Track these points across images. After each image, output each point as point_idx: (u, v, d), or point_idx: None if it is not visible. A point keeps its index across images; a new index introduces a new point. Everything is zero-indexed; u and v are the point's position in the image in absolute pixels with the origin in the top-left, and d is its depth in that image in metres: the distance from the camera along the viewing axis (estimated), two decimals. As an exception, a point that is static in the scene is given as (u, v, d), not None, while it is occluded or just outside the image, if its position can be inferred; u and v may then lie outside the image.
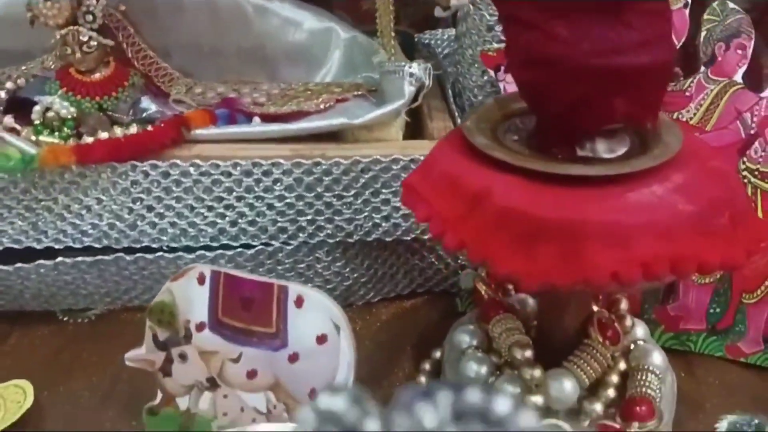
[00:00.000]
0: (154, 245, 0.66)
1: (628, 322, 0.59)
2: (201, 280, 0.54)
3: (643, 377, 0.55)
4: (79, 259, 0.65)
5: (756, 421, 0.61)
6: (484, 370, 0.56)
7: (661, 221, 0.44)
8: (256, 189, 0.64)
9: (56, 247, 0.65)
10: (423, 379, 0.62)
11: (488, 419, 0.20)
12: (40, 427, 0.58)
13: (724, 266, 0.45)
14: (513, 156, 0.47)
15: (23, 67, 0.74)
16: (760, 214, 0.66)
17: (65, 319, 0.69)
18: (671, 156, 0.47)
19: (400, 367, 0.66)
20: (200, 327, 0.54)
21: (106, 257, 0.65)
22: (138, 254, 0.66)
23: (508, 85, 0.70)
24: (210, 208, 0.65)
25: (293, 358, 0.53)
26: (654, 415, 0.53)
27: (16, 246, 0.65)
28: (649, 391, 0.54)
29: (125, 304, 0.70)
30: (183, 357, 0.55)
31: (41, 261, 0.64)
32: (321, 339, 0.53)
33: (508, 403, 0.21)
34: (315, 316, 0.53)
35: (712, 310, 0.68)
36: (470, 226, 0.46)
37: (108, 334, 0.67)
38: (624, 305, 0.60)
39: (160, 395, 0.57)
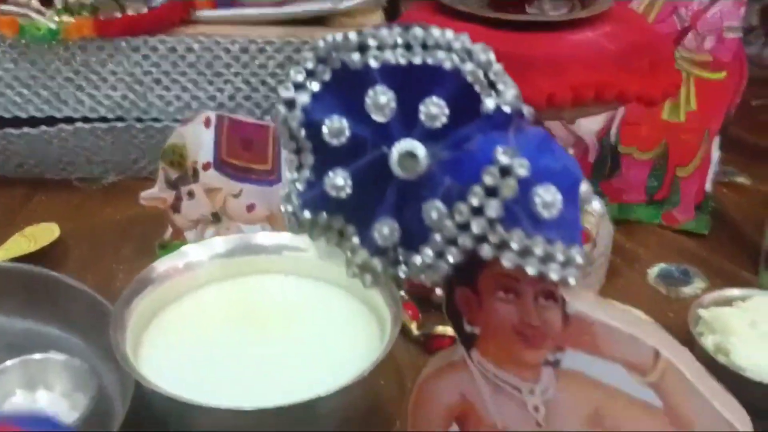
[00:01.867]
0: (161, 117, 0.75)
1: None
2: (207, 123, 0.63)
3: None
4: (96, 125, 0.74)
5: (684, 268, 0.71)
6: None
7: (589, 55, 0.53)
8: (251, 65, 0.73)
9: (75, 116, 0.74)
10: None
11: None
12: (66, 258, 0.67)
13: (641, 99, 0.55)
14: (475, 9, 0.56)
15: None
16: (693, 98, 0.76)
17: (81, 185, 0.78)
18: (603, 10, 0.57)
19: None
20: (206, 166, 0.64)
21: (119, 124, 0.74)
22: (147, 123, 0.75)
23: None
24: (210, 83, 0.74)
25: (286, 191, 0.63)
26: (588, 240, 0.62)
27: (39, 114, 0.74)
28: (585, 224, 0.64)
29: (135, 174, 0.79)
30: (191, 194, 0.65)
31: (62, 125, 0.73)
32: (310, 174, 0.62)
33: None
34: (305, 153, 0.62)
35: (650, 183, 0.78)
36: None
37: (120, 197, 0.76)
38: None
39: (169, 231, 0.66)
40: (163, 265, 0.54)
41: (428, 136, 0.32)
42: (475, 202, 0.30)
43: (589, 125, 0.78)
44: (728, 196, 0.82)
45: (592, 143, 0.78)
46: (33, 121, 0.74)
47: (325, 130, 0.33)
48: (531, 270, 0.29)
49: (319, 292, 0.57)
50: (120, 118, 0.75)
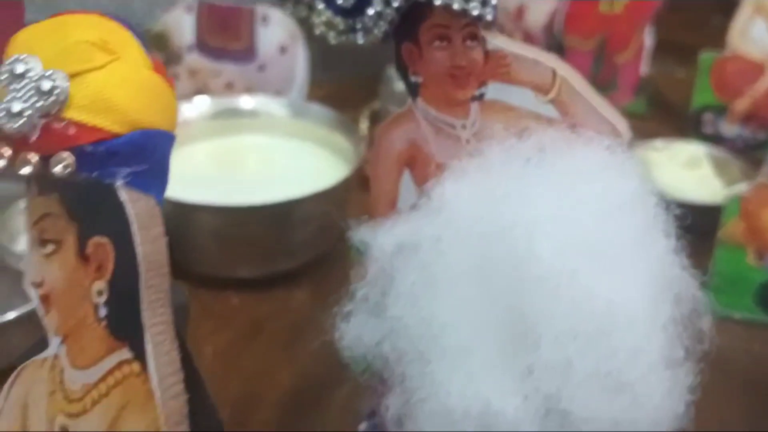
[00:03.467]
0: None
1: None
2: (188, 9, 0.70)
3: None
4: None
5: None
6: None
7: None
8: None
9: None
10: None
11: None
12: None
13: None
14: None
15: None
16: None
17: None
18: None
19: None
20: (189, 49, 0.71)
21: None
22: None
23: None
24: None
25: (262, 67, 0.70)
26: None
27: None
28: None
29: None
30: (176, 77, 0.72)
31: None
32: (283, 49, 0.70)
33: None
34: (278, 31, 0.70)
35: (593, 71, 0.86)
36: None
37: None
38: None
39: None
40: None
41: None
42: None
43: (536, 19, 0.86)
44: (664, 84, 0.91)
45: (539, 36, 0.87)
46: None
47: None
48: (456, 5, 0.36)
49: (292, 144, 0.65)
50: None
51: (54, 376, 0.29)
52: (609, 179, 0.33)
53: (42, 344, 0.30)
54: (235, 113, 0.65)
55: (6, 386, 0.31)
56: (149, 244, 0.27)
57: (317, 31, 0.42)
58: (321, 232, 0.59)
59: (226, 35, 0.70)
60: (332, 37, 0.41)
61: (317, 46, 0.81)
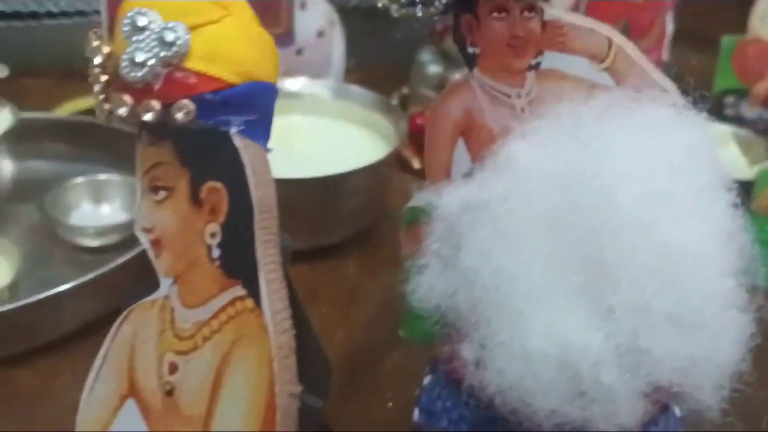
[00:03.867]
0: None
1: None
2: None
3: None
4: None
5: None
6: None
7: None
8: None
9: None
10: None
11: None
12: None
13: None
14: None
15: None
16: (649, -20, 0.87)
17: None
18: None
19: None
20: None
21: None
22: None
23: None
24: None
25: (300, 51, 0.72)
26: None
27: (69, 9, 0.82)
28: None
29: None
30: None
31: (93, 17, 0.82)
32: (320, 34, 0.72)
33: None
34: (315, 16, 0.71)
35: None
36: None
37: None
38: None
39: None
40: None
41: None
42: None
43: (561, 4, 0.88)
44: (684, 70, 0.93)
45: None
46: (64, 14, 0.82)
47: None
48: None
49: (336, 125, 0.66)
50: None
51: (164, 317, 0.31)
52: (678, 133, 0.35)
53: (148, 288, 0.32)
54: (280, 95, 0.66)
55: (113, 328, 0.32)
56: (262, 187, 0.29)
57: (379, 4, 0.44)
58: (366, 206, 0.61)
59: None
60: (394, 11, 0.43)
61: (350, 33, 0.83)
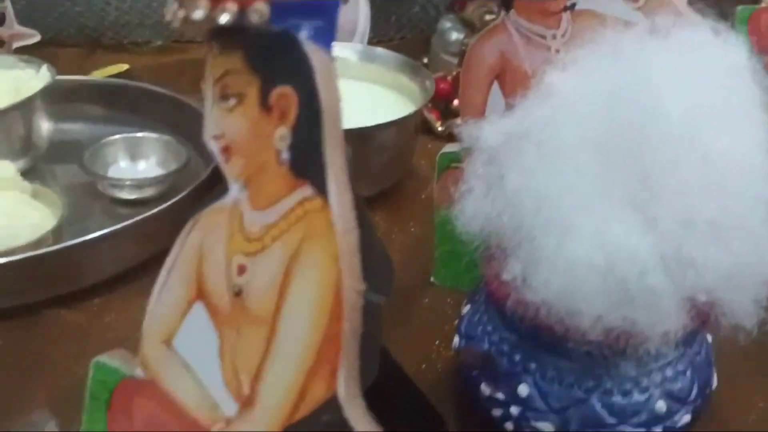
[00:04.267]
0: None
1: None
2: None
3: None
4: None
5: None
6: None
7: None
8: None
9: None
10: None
11: None
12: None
13: None
14: None
15: None
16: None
17: (132, 48, 0.88)
18: None
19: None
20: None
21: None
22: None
23: None
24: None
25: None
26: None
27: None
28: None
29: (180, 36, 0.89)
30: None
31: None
32: (346, 0, 0.73)
33: None
34: (342, -18, 0.73)
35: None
36: None
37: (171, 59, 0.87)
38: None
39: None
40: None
41: None
42: None
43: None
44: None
45: None
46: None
47: None
48: None
49: (364, 86, 0.68)
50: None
51: (233, 220, 0.32)
52: (717, 51, 0.36)
53: (216, 195, 0.33)
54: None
55: (182, 233, 0.34)
56: (329, 92, 0.30)
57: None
58: (394, 162, 0.62)
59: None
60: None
61: (372, 3, 0.84)
